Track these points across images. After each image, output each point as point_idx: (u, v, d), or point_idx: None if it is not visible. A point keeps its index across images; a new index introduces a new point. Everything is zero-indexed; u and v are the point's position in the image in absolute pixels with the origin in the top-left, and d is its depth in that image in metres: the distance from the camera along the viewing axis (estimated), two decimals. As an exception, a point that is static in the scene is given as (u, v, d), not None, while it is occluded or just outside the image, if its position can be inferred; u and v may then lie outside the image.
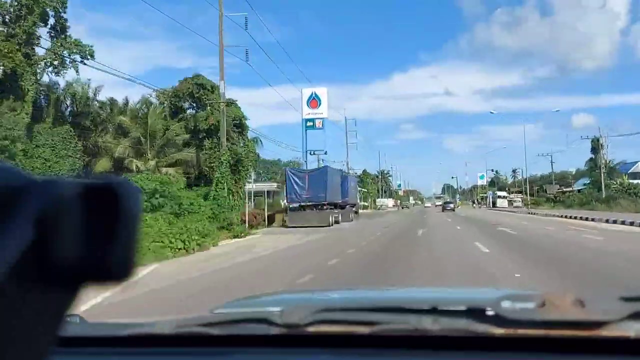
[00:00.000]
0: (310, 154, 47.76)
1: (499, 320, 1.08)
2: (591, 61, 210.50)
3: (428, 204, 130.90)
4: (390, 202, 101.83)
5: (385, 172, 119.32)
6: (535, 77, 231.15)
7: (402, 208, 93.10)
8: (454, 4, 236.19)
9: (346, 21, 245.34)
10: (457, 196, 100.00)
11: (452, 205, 64.96)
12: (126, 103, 34.69)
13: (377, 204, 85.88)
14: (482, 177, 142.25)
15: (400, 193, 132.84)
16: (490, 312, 1.11)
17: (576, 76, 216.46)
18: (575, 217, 29.02)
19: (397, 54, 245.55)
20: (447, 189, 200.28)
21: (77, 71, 28.90)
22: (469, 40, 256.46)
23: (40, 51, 27.72)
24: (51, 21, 27.97)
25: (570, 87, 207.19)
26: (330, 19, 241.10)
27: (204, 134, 32.78)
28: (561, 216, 32.16)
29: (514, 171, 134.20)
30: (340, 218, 29.64)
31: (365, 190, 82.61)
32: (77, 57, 28.00)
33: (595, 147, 59.06)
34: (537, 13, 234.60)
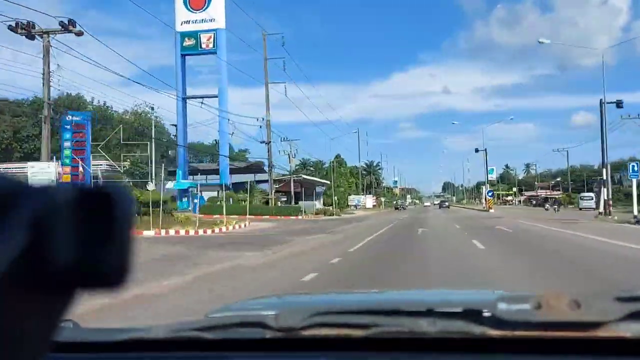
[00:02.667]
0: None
1: (495, 321, 1.08)
2: (591, 59, 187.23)
3: (427, 203, 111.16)
4: (369, 200, 75.44)
5: (375, 164, 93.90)
6: (533, 76, 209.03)
7: (397, 209, 66.09)
8: (453, 2, 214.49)
9: (345, 20, 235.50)
10: (487, 192, 70.15)
11: (447, 204, 77.53)
12: None
13: (349, 203, 59.56)
14: (491, 172, 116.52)
15: (396, 191, 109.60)
16: (486, 314, 1.11)
17: (576, 74, 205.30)
18: None
19: (395, 53, 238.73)
20: (447, 187, 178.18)
21: None
22: (468, 38, 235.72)
23: None
24: None
25: (570, 85, 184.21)
26: (329, 18, 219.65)
27: None
28: None
29: (527, 165, 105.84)
30: None
31: (327, 182, 54.90)
32: None
33: None
34: (537, 10, 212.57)
